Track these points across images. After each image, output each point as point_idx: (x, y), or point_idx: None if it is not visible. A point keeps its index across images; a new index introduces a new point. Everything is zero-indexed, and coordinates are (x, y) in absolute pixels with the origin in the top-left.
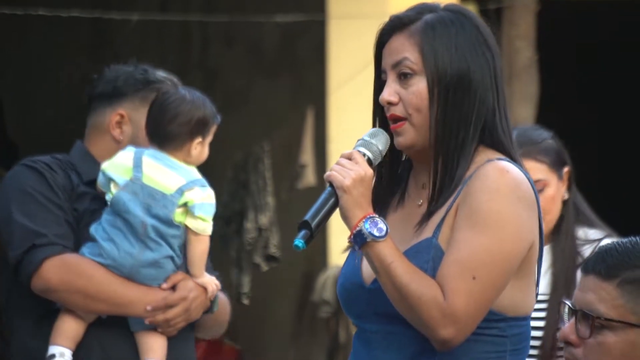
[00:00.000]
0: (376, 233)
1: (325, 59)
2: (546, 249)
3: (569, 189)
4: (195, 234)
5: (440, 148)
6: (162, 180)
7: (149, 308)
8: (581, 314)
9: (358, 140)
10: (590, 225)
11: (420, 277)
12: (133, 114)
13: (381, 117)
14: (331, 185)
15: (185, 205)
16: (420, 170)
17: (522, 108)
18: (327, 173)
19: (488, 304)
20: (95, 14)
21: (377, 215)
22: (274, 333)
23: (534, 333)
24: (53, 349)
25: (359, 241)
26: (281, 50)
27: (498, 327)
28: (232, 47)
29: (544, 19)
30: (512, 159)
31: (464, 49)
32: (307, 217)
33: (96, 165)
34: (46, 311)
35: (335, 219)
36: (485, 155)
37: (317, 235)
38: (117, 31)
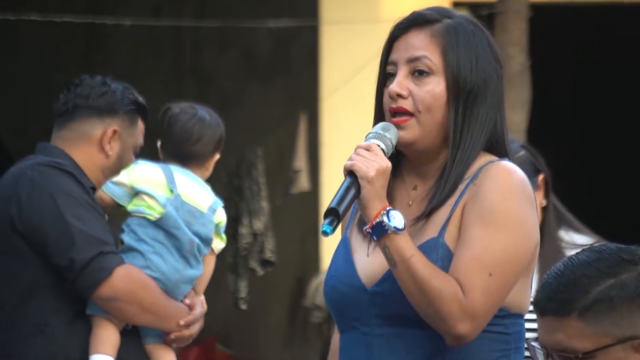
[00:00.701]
0: (397, 225)
1: (318, 64)
2: None
3: (546, 195)
4: (213, 252)
5: (455, 151)
6: (196, 197)
7: (182, 323)
8: (558, 356)
9: (369, 132)
10: (574, 229)
11: (439, 272)
12: (123, 132)
13: (381, 109)
14: (351, 175)
15: (216, 225)
16: (411, 172)
17: (514, 114)
18: (349, 162)
19: (501, 301)
20: (88, 19)
21: (394, 208)
22: (267, 338)
23: None
24: (98, 357)
25: (379, 232)
26: (274, 55)
27: (503, 323)
28: (225, 52)
29: (536, 24)
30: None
31: (483, 61)
32: (333, 204)
33: (83, 173)
34: (77, 313)
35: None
36: (483, 157)
37: (310, 240)
38: (110, 36)
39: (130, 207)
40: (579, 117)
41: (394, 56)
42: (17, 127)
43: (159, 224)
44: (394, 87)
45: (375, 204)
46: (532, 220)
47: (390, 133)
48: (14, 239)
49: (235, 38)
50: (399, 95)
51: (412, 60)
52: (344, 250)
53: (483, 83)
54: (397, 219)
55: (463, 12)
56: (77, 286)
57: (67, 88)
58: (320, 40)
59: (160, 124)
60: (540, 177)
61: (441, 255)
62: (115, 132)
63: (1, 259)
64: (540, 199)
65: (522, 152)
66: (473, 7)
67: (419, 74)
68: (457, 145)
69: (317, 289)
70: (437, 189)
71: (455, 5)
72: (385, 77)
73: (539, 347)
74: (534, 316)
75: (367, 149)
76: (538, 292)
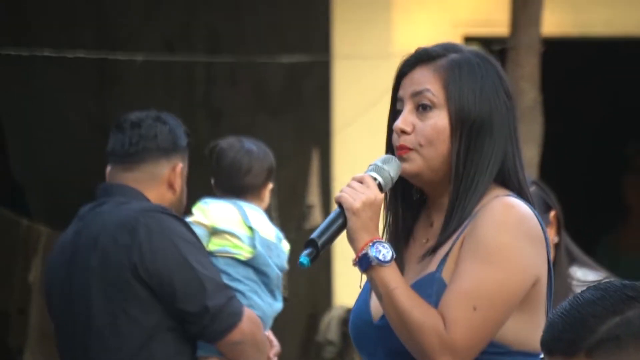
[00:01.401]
0: (381, 257)
1: (330, 99)
2: None
3: (558, 232)
4: None
5: (459, 187)
6: (267, 230)
7: (272, 356)
8: None
9: (370, 165)
10: (586, 266)
11: (422, 304)
12: (184, 166)
13: (390, 146)
14: (340, 206)
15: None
16: (431, 208)
17: (527, 149)
18: (338, 194)
19: (488, 336)
20: (101, 54)
21: (383, 241)
22: None
23: None
24: None
25: (364, 265)
26: (286, 90)
27: None
28: (236, 87)
29: (548, 59)
30: (524, 197)
31: (488, 93)
32: (314, 235)
33: None
34: (191, 356)
35: (339, 259)
36: (494, 192)
37: (323, 275)
38: (122, 71)
39: (211, 247)
40: (593, 151)
41: (400, 93)
42: (28, 162)
43: (248, 263)
44: (398, 123)
45: (362, 236)
46: (528, 255)
47: (389, 166)
48: (135, 286)
49: (247, 73)
50: (403, 132)
51: (416, 94)
52: (365, 286)
53: (488, 115)
54: (383, 252)
55: (474, 47)
56: (206, 331)
57: (120, 127)
58: (332, 75)
59: (210, 162)
60: (552, 213)
61: (436, 290)
62: (181, 168)
63: (121, 305)
64: (552, 236)
65: (532, 188)
66: (484, 42)
67: (422, 108)
68: (460, 178)
69: (329, 324)
70: (444, 224)
71: (467, 40)
72: (395, 114)
73: None
74: None
75: (360, 181)
76: (545, 331)
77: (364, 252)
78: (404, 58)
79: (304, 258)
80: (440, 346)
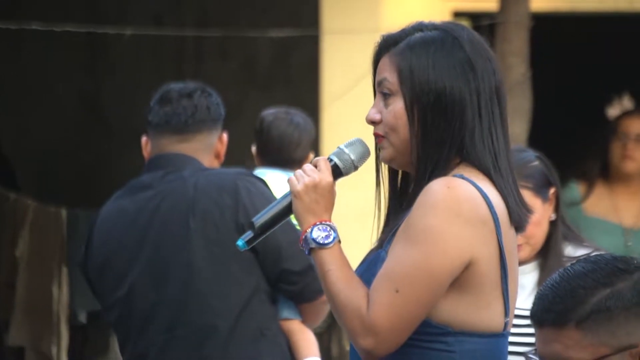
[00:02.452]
0: (320, 240)
1: (319, 74)
2: (533, 267)
3: (556, 209)
4: None
5: (417, 167)
6: None
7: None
8: None
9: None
10: (579, 243)
11: (352, 287)
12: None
13: None
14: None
15: None
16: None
17: (515, 124)
18: (288, 177)
19: (411, 319)
20: (90, 28)
21: (330, 223)
22: None
23: (517, 348)
24: None
25: (307, 246)
26: (275, 65)
27: (445, 341)
28: (226, 62)
29: (537, 34)
30: (490, 177)
31: (442, 68)
32: (255, 218)
33: None
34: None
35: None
36: (458, 172)
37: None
38: (111, 45)
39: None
40: (580, 126)
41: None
42: (17, 136)
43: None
44: (367, 114)
45: (307, 218)
46: (459, 238)
47: (351, 149)
48: None
49: (236, 47)
50: (373, 122)
51: (379, 84)
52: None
53: (442, 91)
54: (322, 234)
55: (462, 22)
56: (306, 290)
57: (167, 99)
58: (321, 50)
59: (256, 132)
60: (552, 190)
61: (379, 267)
62: (225, 137)
63: (226, 265)
64: (549, 213)
65: (536, 163)
66: (473, 18)
67: (385, 96)
68: (420, 158)
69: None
70: (407, 204)
71: (456, 15)
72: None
73: (537, 358)
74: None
75: (315, 165)
76: (534, 303)
77: (305, 234)
78: (375, 47)
79: (240, 240)
80: (361, 328)
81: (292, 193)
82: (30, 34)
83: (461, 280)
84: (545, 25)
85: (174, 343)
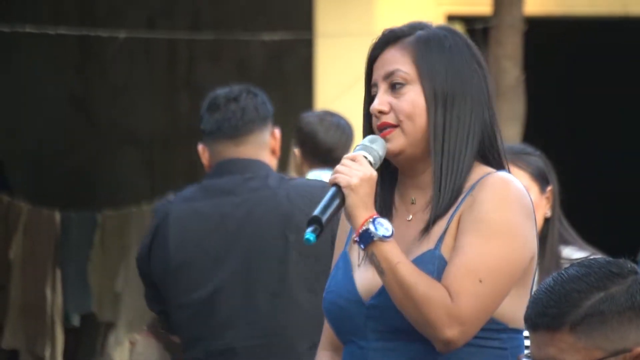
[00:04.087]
0: (383, 233)
1: (313, 77)
2: None
3: (552, 208)
4: None
5: (441, 160)
6: None
7: None
8: None
9: (357, 145)
10: (577, 245)
11: (426, 278)
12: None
13: (369, 130)
14: (335, 186)
15: None
16: (408, 186)
17: (508, 127)
18: (333, 175)
19: (492, 308)
20: (83, 31)
21: (380, 217)
22: None
23: None
24: None
25: (366, 240)
26: (268, 68)
27: (499, 338)
28: (219, 65)
29: (530, 38)
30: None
31: (459, 64)
32: (317, 212)
33: None
34: None
35: None
36: (481, 169)
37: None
38: (104, 48)
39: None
40: (573, 130)
41: (374, 77)
42: (9, 138)
43: None
44: (374, 105)
45: (361, 213)
46: (528, 232)
47: (377, 145)
48: (330, 257)
49: (229, 50)
50: (381, 112)
51: (388, 75)
52: (344, 265)
53: (460, 85)
54: (383, 227)
55: (456, 26)
56: None
57: (215, 106)
58: (315, 52)
59: (300, 133)
60: (549, 188)
61: (437, 266)
62: (277, 133)
63: (317, 276)
64: (545, 210)
65: (535, 157)
66: (467, 21)
67: (396, 87)
68: (441, 151)
69: None
70: (434, 200)
71: (450, 19)
72: (370, 100)
73: None
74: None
75: (353, 160)
76: (529, 307)
77: (364, 228)
78: (373, 42)
79: (309, 234)
80: (448, 318)
81: (346, 187)
82: (22, 36)
83: (523, 274)
84: (539, 29)
85: (259, 350)
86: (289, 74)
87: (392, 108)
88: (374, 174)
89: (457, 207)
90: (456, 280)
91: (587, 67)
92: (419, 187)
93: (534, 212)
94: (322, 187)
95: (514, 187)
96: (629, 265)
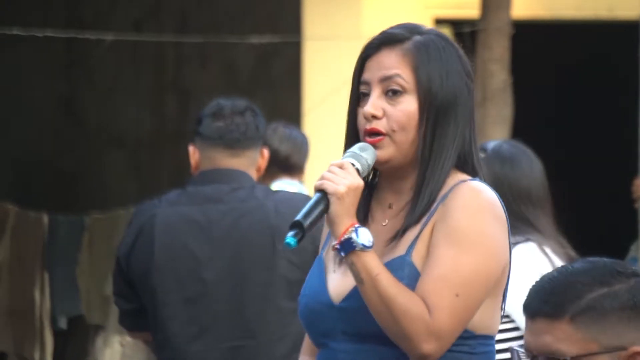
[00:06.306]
0: (365, 242)
1: (300, 80)
2: None
3: None
4: None
5: (425, 170)
6: None
7: None
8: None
9: (346, 152)
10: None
11: (405, 291)
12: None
13: (353, 128)
14: (320, 191)
15: None
16: (387, 190)
17: (496, 131)
18: (319, 181)
19: (467, 321)
20: (70, 33)
21: (362, 226)
22: None
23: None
24: None
25: (347, 249)
26: (256, 71)
27: (468, 344)
28: (206, 68)
29: (518, 41)
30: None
31: (453, 75)
32: (299, 217)
33: None
34: None
35: None
36: (455, 176)
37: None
38: (91, 51)
39: None
40: (560, 133)
41: (366, 75)
42: None
43: None
44: (368, 108)
45: (344, 221)
46: (501, 241)
47: (367, 153)
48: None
49: (216, 53)
50: (374, 117)
51: (385, 79)
52: (318, 270)
53: (453, 98)
54: (364, 236)
55: (443, 29)
56: None
57: (219, 115)
58: (302, 56)
59: (270, 142)
60: None
61: (407, 273)
62: (265, 153)
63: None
64: None
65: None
66: (455, 25)
67: (392, 93)
68: (427, 161)
69: None
70: (411, 207)
71: (437, 22)
72: (358, 96)
73: (523, 351)
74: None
75: (340, 167)
76: (529, 295)
77: (346, 236)
78: (368, 40)
79: (290, 239)
80: (426, 333)
81: (332, 194)
82: (10, 39)
83: (495, 283)
84: (526, 33)
85: (236, 353)
86: (276, 77)
87: (385, 114)
88: (361, 183)
89: (431, 214)
90: (434, 294)
91: (574, 71)
92: (397, 192)
93: (508, 220)
94: (306, 200)
95: (485, 195)
96: (632, 268)
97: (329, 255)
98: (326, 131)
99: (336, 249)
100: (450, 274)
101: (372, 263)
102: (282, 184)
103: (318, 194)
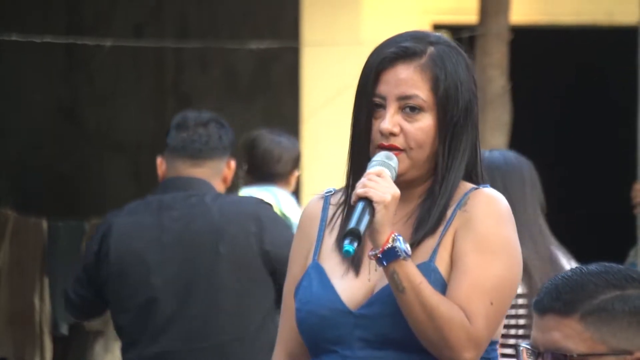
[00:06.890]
0: (407, 251)
1: (299, 86)
2: None
3: None
4: None
5: (440, 181)
6: (295, 215)
7: None
8: (551, 356)
9: (373, 160)
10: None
11: (444, 299)
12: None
13: (365, 136)
14: (363, 199)
15: None
16: None
17: (495, 136)
18: (362, 189)
19: (497, 328)
20: (69, 39)
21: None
22: None
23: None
24: None
25: (390, 257)
26: (255, 76)
27: (486, 350)
28: (206, 73)
29: (517, 47)
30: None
31: (465, 87)
32: (352, 225)
33: None
34: None
35: None
36: (464, 185)
37: None
38: (91, 57)
39: None
40: (559, 139)
41: (382, 89)
42: None
43: None
44: (386, 125)
45: (386, 229)
46: (519, 248)
47: (393, 162)
48: (262, 271)
49: (216, 59)
50: (392, 134)
51: (404, 97)
52: (318, 276)
53: (466, 111)
54: (406, 245)
55: (443, 35)
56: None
57: (184, 125)
58: (301, 61)
59: (244, 151)
60: None
61: (433, 279)
62: (233, 164)
63: (248, 288)
64: None
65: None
66: (453, 30)
67: (410, 110)
68: (443, 175)
69: None
70: (424, 215)
71: (436, 27)
72: (369, 106)
73: (528, 347)
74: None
75: (379, 175)
76: (541, 292)
77: (390, 245)
78: (383, 54)
79: (348, 246)
80: (467, 340)
81: (378, 203)
82: (9, 45)
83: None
84: (525, 38)
85: (191, 354)
86: (275, 82)
87: (402, 131)
88: (398, 192)
89: (449, 221)
90: (470, 302)
91: (572, 76)
92: (403, 199)
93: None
94: (254, 202)
95: (504, 203)
96: None
97: (327, 261)
98: (325, 136)
99: (378, 257)
100: (483, 282)
101: (414, 271)
102: (252, 191)
103: (362, 202)
